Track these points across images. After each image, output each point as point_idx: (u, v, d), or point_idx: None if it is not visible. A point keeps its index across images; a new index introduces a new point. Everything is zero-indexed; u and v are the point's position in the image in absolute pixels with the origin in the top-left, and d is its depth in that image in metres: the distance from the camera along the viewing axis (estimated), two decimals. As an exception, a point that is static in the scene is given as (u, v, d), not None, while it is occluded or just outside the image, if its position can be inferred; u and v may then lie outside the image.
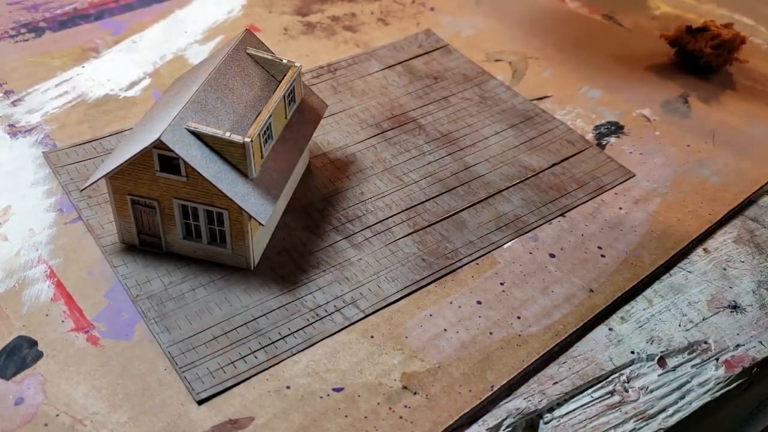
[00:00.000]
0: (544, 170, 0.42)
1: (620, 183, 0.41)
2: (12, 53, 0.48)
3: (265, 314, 0.32)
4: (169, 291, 0.33)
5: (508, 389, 0.31)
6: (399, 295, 0.34)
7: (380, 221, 0.38)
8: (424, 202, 0.39)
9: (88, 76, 0.47)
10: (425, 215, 0.38)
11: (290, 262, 0.35)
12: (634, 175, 0.42)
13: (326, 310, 0.33)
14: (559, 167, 0.42)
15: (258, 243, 0.35)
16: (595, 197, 0.40)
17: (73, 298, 0.33)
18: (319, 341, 0.32)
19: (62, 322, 0.32)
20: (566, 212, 0.39)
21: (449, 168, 0.41)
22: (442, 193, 0.40)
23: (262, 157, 0.33)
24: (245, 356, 0.31)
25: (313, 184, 0.39)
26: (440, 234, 0.37)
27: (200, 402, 0.29)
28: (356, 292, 0.34)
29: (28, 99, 0.45)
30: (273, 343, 0.31)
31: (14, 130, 0.42)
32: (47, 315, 0.32)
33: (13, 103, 0.44)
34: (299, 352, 0.31)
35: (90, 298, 0.33)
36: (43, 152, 0.40)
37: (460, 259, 0.36)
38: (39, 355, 0.30)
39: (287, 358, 0.31)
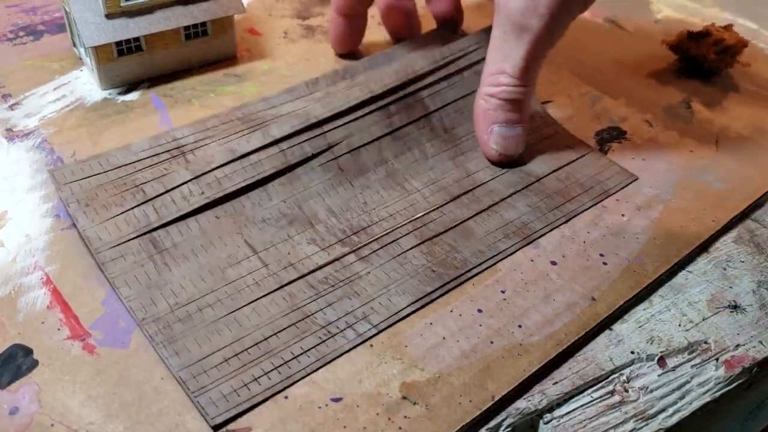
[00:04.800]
0: (547, 175, 0.41)
1: (624, 186, 0.41)
2: (10, 56, 0.48)
3: (275, 333, 0.32)
4: (176, 313, 0.32)
5: (510, 398, 0.31)
6: (411, 309, 0.33)
7: (386, 233, 0.37)
8: (429, 212, 0.38)
9: (87, 80, 0.46)
10: (431, 225, 0.37)
11: (297, 276, 0.34)
12: (637, 178, 0.42)
13: (338, 327, 0.32)
14: (563, 172, 0.42)
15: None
16: (600, 201, 0.40)
17: (70, 305, 0.33)
18: (333, 360, 0.31)
19: (58, 330, 0.32)
20: (573, 217, 0.39)
21: (451, 175, 0.41)
22: (446, 203, 0.39)
23: None
24: (258, 378, 0.30)
25: (315, 190, 0.38)
26: (448, 244, 0.37)
27: (215, 428, 0.28)
28: (367, 307, 0.33)
29: (25, 103, 0.44)
30: (286, 363, 0.31)
31: (11, 135, 0.42)
32: (43, 323, 0.32)
33: (11, 107, 0.44)
34: (313, 371, 0.30)
35: (86, 305, 0.33)
36: (48, 170, 0.38)
37: (470, 269, 0.35)
38: (34, 364, 0.30)
39: (302, 378, 0.30)
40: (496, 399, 0.30)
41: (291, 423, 0.29)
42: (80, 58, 0.48)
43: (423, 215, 0.38)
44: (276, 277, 0.34)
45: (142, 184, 0.37)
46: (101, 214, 0.35)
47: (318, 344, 0.31)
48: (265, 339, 0.31)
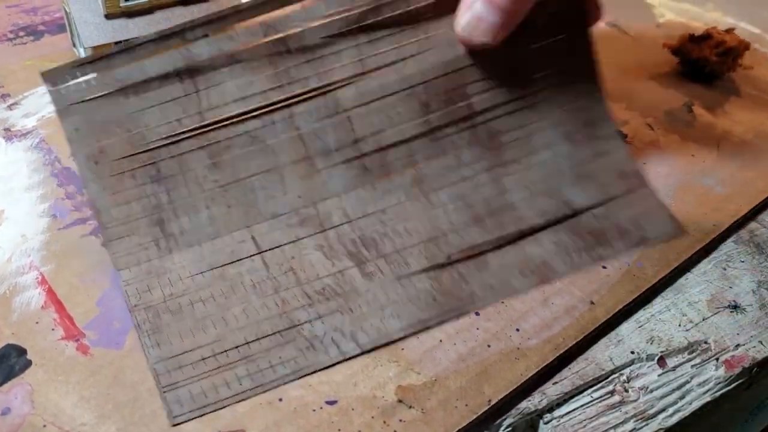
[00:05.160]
0: (584, 210, 0.37)
1: (667, 240, 0.37)
2: (10, 56, 0.48)
3: (258, 339, 0.31)
4: (168, 303, 0.32)
5: (507, 403, 0.30)
6: (402, 334, 0.32)
7: (397, 250, 0.35)
8: (447, 234, 0.35)
9: (86, 80, 0.46)
10: (446, 248, 0.35)
11: (295, 283, 0.33)
12: (683, 233, 0.38)
13: (322, 342, 0.31)
14: (603, 208, 0.37)
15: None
16: (635, 249, 0.36)
17: (64, 305, 0.32)
18: (308, 374, 0.30)
19: (52, 330, 0.31)
20: (601, 264, 0.36)
21: (483, 191, 0.37)
22: (469, 226, 0.36)
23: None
24: (230, 382, 0.30)
25: (334, 188, 0.36)
26: (458, 272, 0.34)
27: (175, 425, 0.28)
28: (357, 326, 0.32)
29: (24, 102, 0.44)
30: (261, 371, 0.30)
31: (10, 134, 0.42)
32: (37, 323, 0.32)
33: (10, 107, 0.44)
34: (286, 383, 0.30)
35: (81, 306, 0.32)
36: (41, 73, 0.33)
37: (474, 303, 0.33)
38: (27, 364, 0.30)
39: (273, 388, 0.30)
40: (493, 403, 0.30)
41: (285, 425, 0.28)
42: (80, 59, 0.48)
43: (440, 236, 0.35)
44: (274, 281, 0.33)
45: (157, 159, 0.34)
46: (112, 183, 0.34)
47: (297, 356, 0.31)
48: (247, 343, 0.31)
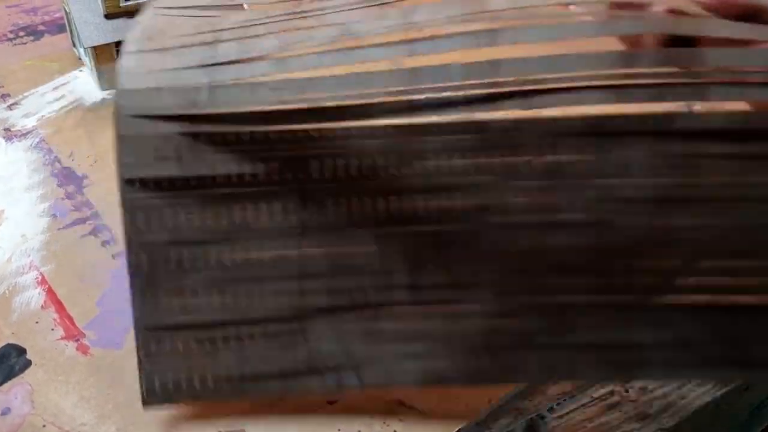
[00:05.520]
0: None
1: None
2: (10, 56, 0.48)
3: (260, 336, 0.26)
4: (173, 250, 0.25)
5: (507, 403, 0.30)
6: (411, 384, 0.26)
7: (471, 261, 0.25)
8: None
9: (86, 80, 0.46)
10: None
11: (327, 265, 0.25)
12: None
13: (326, 364, 0.26)
14: None
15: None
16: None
17: (64, 305, 0.32)
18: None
19: (52, 330, 0.31)
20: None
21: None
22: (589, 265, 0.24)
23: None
24: (213, 376, 0.26)
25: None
26: (526, 325, 0.25)
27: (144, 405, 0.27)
28: (369, 356, 0.25)
29: (24, 102, 0.44)
30: (246, 378, 0.26)
31: (10, 134, 0.42)
32: (37, 323, 0.32)
33: (10, 107, 0.44)
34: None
35: (81, 305, 0.32)
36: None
37: (515, 377, 0.26)
38: (27, 364, 0.30)
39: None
40: (493, 403, 0.30)
41: (285, 425, 0.28)
42: (80, 59, 0.48)
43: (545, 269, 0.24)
44: (303, 251, 0.25)
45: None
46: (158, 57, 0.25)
47: (290, 374, 0.26)
48: (247, 338, 0.26)
